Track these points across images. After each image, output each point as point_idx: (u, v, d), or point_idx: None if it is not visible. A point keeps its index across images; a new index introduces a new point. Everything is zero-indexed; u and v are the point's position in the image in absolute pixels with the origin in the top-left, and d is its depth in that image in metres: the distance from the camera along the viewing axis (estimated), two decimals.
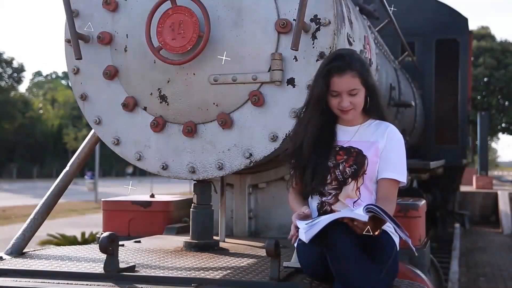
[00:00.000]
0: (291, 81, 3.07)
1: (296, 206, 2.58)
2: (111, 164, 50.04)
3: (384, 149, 2.53)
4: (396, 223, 2.24)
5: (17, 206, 18.52)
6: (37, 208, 3.47)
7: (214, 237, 3.49)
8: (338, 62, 2.47)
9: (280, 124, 3.10)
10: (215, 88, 3.18)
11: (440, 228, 10.01)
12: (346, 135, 2.57)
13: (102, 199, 4.48)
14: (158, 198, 4.52)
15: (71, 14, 3.31)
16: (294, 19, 2.98)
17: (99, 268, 2.74)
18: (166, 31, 3.10)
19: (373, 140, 2.54)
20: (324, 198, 2.52)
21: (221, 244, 3.46)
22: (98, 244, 2.73)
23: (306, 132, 2.53)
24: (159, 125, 3.32)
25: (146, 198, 4.49)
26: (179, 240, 3.58)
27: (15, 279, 2.68)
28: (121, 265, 2.68)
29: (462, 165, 9.85)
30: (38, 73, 71.70)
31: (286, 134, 3.06)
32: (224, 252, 3.30)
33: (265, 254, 2.46)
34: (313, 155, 2.51)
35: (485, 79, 34.77)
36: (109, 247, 2.59)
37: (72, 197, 20.51)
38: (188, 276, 2.63)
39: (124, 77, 3.38)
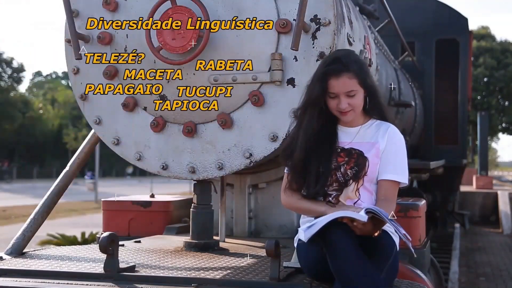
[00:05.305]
0: (291, 81, 3.07)
1: (319, 205, 2.47)
2: (111, 164, 50.04)
3: (384, 149, 2.52)
4: (395, 225, 2.24)
5: (17, 206, 18.52)
6: (37, 208, 3.47)
7: (214, 237, 3.49)
8: (334, 65, 2.47)
9: (280, 124, 3.10)
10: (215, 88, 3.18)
11: (440, 228, 10.01)
12: (347, 136, 2.57)
13: (102, 199, 4.48)
14: (158, 198, 4.52)
15: (71, 14, 3.31)
16: (294, 19, 2.99)
17: (99, 268, 2.74)
18: (166, 31, 3.10)
19: (374, 141, 2.54)
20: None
21: (221, 244, 3.46)
22: (98, 244, 2.73)
23: (301, 135, 2.52)
24: (159, 125, 3.32)
25: (146, 198, 4.49)
26: (179, 240, 3.58)
27: (15, 279, 2.68)
28: (121, 265, 2.68)
29: (462, 165, 9.85)
30: (38, 73, 71.73)
31: (286, 134, 3.06)
32: (224, 252, 3.30)
33: (265, 254, 2.46)
34: (314, 157, 2.50)
35: (485, 79, 34.78)
36: (109, 247, 2.59)
37: (72, 197, 20.51)
38: (188, 276, 2.63)
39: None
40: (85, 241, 8.34)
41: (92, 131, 3.68)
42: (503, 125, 38.18)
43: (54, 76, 71.52)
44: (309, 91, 2.55)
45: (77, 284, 2.56)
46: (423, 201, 3.69)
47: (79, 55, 3.29)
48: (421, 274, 3.09)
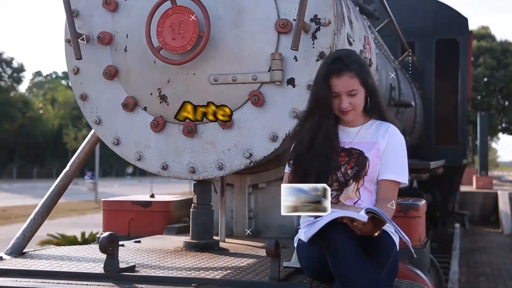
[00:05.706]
0: (291, 81, 3.07)
1: None
2: (111, 164, 50.03)
3: (384, 149, 2.52)
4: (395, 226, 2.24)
5: (17, 206, 18.51)
6: (37, 208, 3.47)
7: (214, 237, 3.49)
8: (336, 64, 2.47)
9: (280, 124, 3.10)
10: (215, 88, 3.18)
11: (440, 228, 10.01)
12: (348, 136, 2.57)
13: (102, 199, 4.48)
14: (158, 198, 4.52)
15: (71, 14, 3.31)
16: (294, 19, 2.99)
17: (99, 268, 2.74)
18: (166, 31, 3.10)
19: (374, 141, 2.54)
20: None
21: (221, 244, 3.46)
22: (98, 244, 2.73)
23: (304, 135, 2.52)
24: (159, 125, 3.32)
25: (146, 198, 4.49)
26: (179, 240, 3.58)
27: (15, 279, 2.68)
28: (121, 265, 2.68)
29: (462, 165, 9.85)
30: (38, 73, 71.69)
31: (286, 134, 3.06)
32: (224, 252, 3.30)
33: (265, 254, 2.46)
34: (315, 157, 2.50)
35: (485, 79, 34.79)
36: (109, 247, 2.59)
37: (72, 197, 20.49)
38: (188, 276, 2.63)
39: (124, 77, 3.38)
40: (85, 241, 8.34)
41: (92, 131, 3.68)
42: (503, 125, 38.19)
43: (54, 76, 71.50)
44: (315, 92, 2.55)
45: (77, 284, 2.56)
46: (423, 201, 3.69)
47: (79, 55, 3.29)
48: (421, 274, 3.09)
